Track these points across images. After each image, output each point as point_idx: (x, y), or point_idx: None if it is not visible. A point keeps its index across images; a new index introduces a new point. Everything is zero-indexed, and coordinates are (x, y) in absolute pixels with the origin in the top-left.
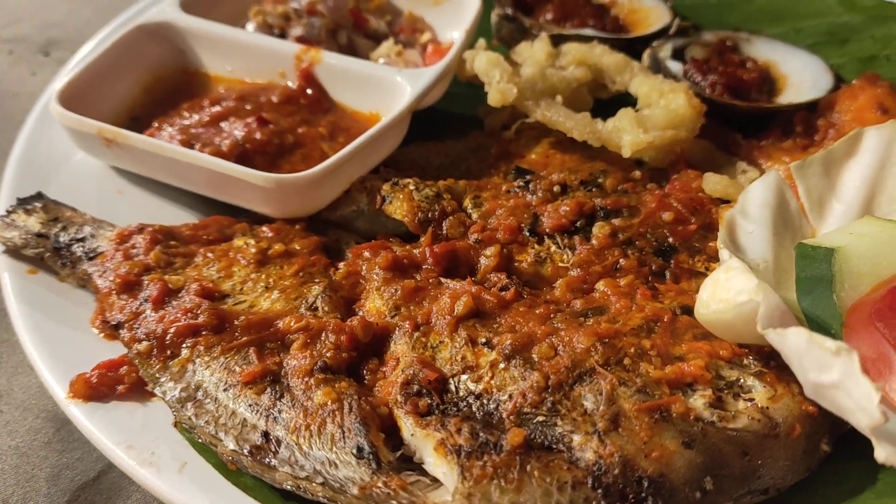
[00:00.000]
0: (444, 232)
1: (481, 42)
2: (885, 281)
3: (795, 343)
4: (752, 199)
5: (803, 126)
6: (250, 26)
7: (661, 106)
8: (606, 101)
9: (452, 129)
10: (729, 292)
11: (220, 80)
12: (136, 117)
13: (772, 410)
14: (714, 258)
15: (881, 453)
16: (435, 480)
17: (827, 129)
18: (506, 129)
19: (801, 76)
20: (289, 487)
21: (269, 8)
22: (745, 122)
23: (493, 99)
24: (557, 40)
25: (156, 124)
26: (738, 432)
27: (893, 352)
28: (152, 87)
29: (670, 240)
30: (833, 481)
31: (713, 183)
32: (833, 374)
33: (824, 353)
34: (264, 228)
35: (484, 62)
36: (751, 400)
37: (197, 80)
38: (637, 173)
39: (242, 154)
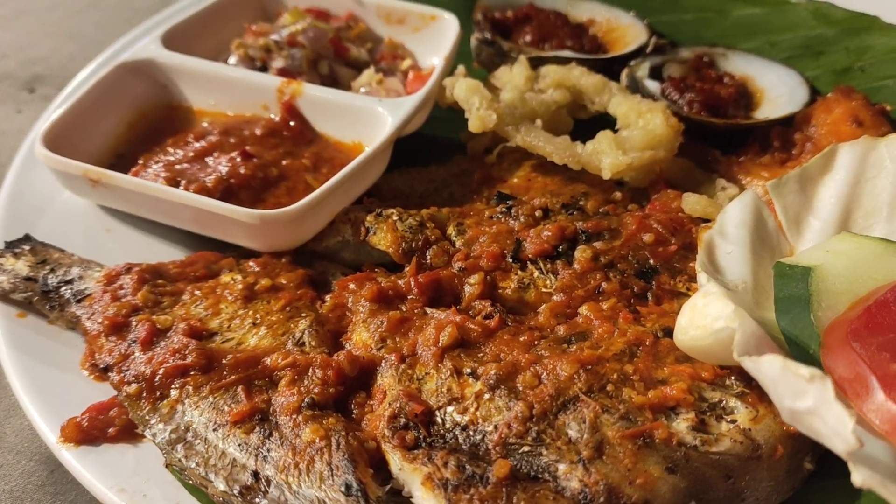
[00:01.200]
0: (429, 261)
1: (461, 68)
2: (861, 299)
3: (770, 370)
4: (730, 219)
5: (780, 141)
6: (232, 59)
7: (640, 126)
8: (587, 121)
9: (436, 153)
10: (706, 318)
11: (204, 114)
12: (122, 154)
13: (754, 432)
14: (695, 278)
15: (858, 477)
16: None
17: (804, 143)
18: (488, 152)
19: (777, 90)
20: None
21: (251, 40)
22: (723, 138)
23: (474, 126)
24: (536, 63)
25: (141, 161)
26: (720, 455)
27: (870, 373)
28: (137, 123)
29: (651, 261)
30: (818, 499)
31: (692, 203)
32: (808, 400)
33: (799, 380)
34: (251, 263)
35: (464, 89)
36: (733, 421)
37: (181, 114)
38: (618, 194)
39: (227, 189)
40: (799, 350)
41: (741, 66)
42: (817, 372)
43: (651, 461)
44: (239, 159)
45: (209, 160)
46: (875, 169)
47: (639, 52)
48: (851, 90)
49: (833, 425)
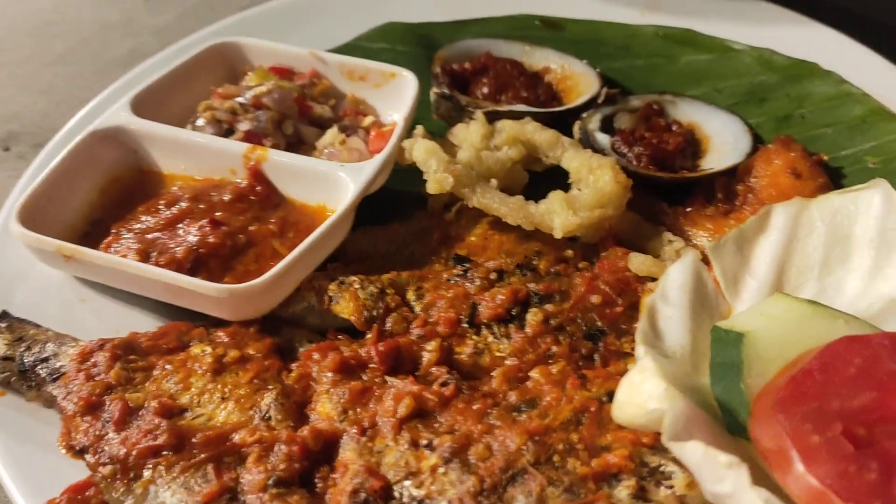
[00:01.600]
0: (389, 328)
1: (419, 129)
2: (788, 366)
3: (693, 456)
4: (671, 282)
5: (724, 192)
6: (200, 121)
7: (590, 184)
8: (542, 173)
9: (399, 206)
10: (641, 396)
11: (174, 178)
12: (96, 221)
13: (688, 498)
14: None
15: None
16: None
17: (746, 194)
18: (448, 208)
19: (722, 137)
20: None
21: (217, 103)
22: (671, 190)
23: (431, 188)
24: (493, 117)
25: (113, 231)
26: None
27: (791, 445)
28: (109, 188)
29: (599, 323)
30: None
31: (638, 263)
32: (726, 486)
33: (718, 466)
34: (220, 333)
35: (421, 152)
36: (670, 487)
37: (152, 178)
38: (570, 252)
39: (197, 259)
40: (731, 418)
41: (689, 112)
42: (734, 459)
43: None
44: (208, 228)
45: (180, 228)
46: (807, 229)
47: (591, 103)
48: (790, 141)
49: None
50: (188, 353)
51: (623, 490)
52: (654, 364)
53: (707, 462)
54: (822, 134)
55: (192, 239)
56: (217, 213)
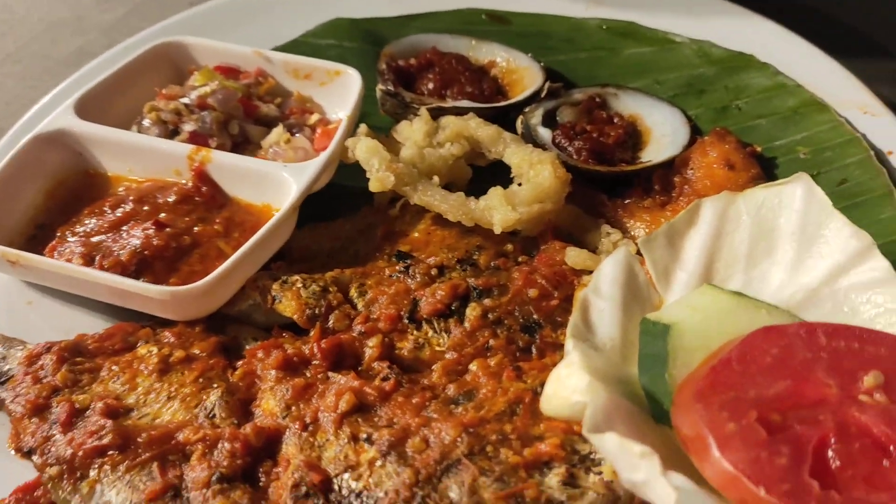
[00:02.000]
0: (331, 325)
1: (363, 128)
2: (709, 356)
3: (609, 446)
4: (604, 276)
5: (661, 184)
6: (146, 121)
7: (530, 178)
8: (486, 168)
9: (345, 201)
10: (567, 390)
11: (120, 180)
12: (41, 224)
13: (615, 484)
14: None
15: None
16: None
17: (682, 186)
18: (394, 202)
19: (662, 129)
20: None
21: (162, 104)
22: (611, 182)
23: (374, 187)
24: (437, 113)
25: (59, 235)
26: None
27: (708, 432)
28: (54, 191)
29: (535, 316)
30: None
31: (573, 256)
32: (640, 474)
33: (632, 456)
34: (166, 333)
35: (363, 151)
36: (599, 473)
37: (97, 180)
38: (510, 246)
39: (142, 261)
40: (656, 407)
41: (630, 105)
42: (647, 449)
43: None
44: (152, 230)
45: (124, 231)
46: (734, 223)
47: (534, 97)
48: (726, 133)
49: (660, 497)
50: (134, 354)
51: (553, 477)
52: (580, 358)
53: (622, 452)
54: (757, 125)
55: (137, 241)
56: (161, 215)
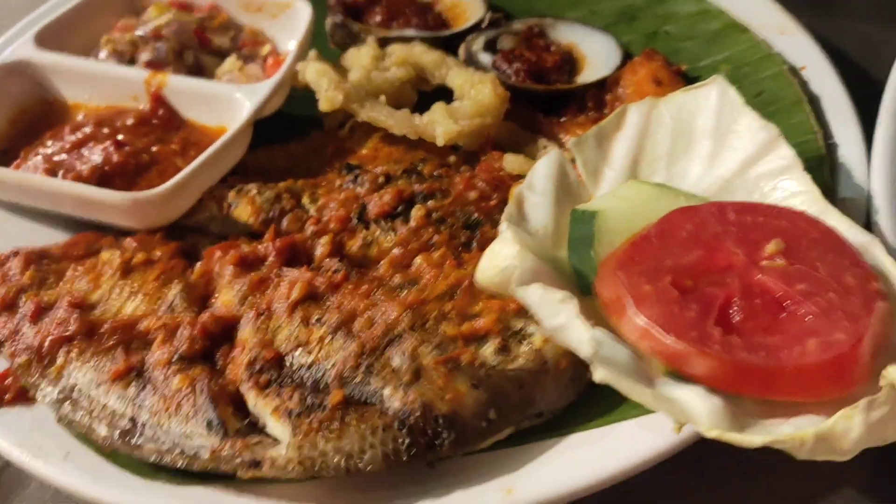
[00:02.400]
0: (285, 227)
1: (312, 53)
2: (633, 236)
3: (534, 296)
4: (538, 174)
5: (594, 102)
6: (103, 53)
7: (471, 97)
8: (430, 93)
9: (297, 129)
10: (497, 259)
11: (80, 108)
12: (5, 150)
13: (544, 350)
14: None
15: (598, 375)
16: (275, 440)
17: (613, 104)
18: (342, 127)
19: (597, 55)
20: (154, 460)
21: (118, 36)
22: (547, 102)
23: (323, 106)
24: (384, 42)
25: (22, 155)
26: (515, 371)
27: (626, 293)
28: (17, 119)
29: (476, 215)
30: (596, 399)
31: (511, 162)
32: (560, 318)
33: (553, 303)
34: (128, 240)
35: (313, 73)
36: (529, 343)
37: (58, 108)
38: (452, 158)
39: (103, 176)
40: (582, 281)
41: (567, 34)
42: (567, 294)
43: (459, 380)
44: (112, 148)
45: (84, 151)
46: (656, 124)
47: (476, 27)
48: (654, 53)
49: (578, 337)
50: (98, 258)
51: (489, 347)
52: (511, 234)
53: (545, 300)
54: (684, 48)
55: (97, 158)
56: (120, 136)
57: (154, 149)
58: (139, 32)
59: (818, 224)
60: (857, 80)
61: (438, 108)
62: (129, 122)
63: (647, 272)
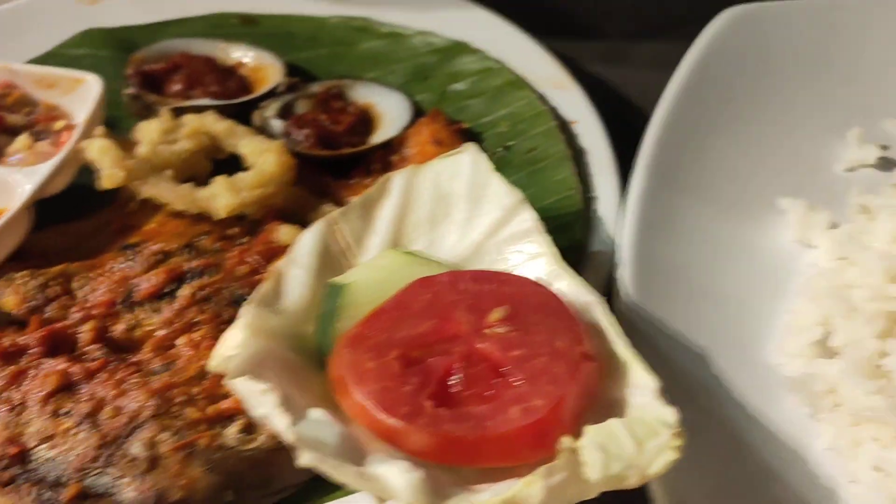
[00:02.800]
0: (49, 315)
1: (99, 129)
2: (374, 309)
3: (241, 387)
4: (302, 246)
5: (381, 163)
6: None
7: (256, 166)
8: (225, 160)
9: (92, 204)
10: (224, 346)
11: None
12: None
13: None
14: None
15: (302, 460)
16: None
17: (400, 164)
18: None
19: (391, 114)
20: None
21: None
22: (338, 165)
23: (103, 184)
24: (180, 112)
25: None
26: (252, 451)
27: (347, 371)
28: None
29: (242, 291)
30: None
31: (286, 234)
32: (263, 409)
33: (257, 394)
34: None
35: (95, 151)
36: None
37: None
38: (235, 230)
39: None
40: (323, 358)
41: (364, 94)
42: (269, 386)
43: (195, 465)
44: None
45: None
46: (419, 191)
47: (272, 93)
48: (438, 113)
49: (280, 425)
50: None
51: (233, 428)
52: (246, 319)
53: (251, 391)
54: (468, 105)
55: None
56: None
57: None
58: None
59: (542, 289)
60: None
61: (220, 180)
62: None
63: (374, 347)
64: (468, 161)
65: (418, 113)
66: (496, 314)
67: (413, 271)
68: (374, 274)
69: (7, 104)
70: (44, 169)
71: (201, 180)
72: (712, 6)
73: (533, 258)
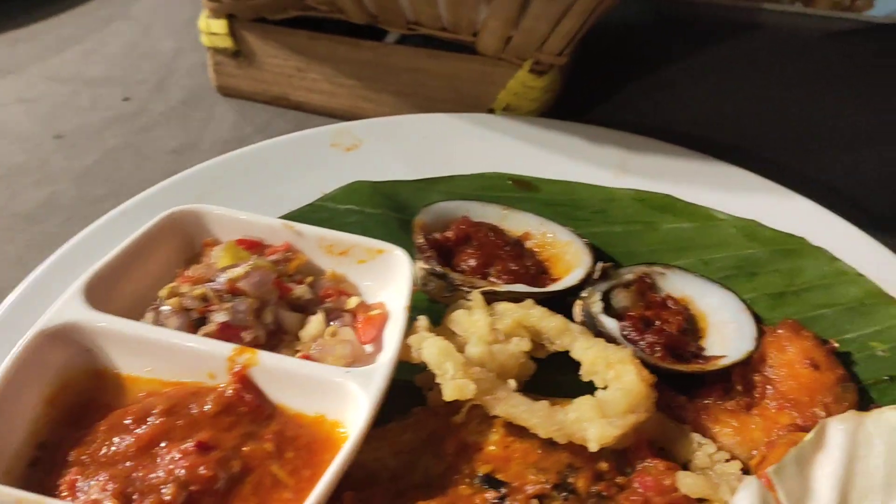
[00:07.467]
0: None
1: (422, 322)
2: None
3: None
4: None
5: (742, 383)
6: (165, 308)
7: (609, 380)
8: (544, 359)
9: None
10: None
11: (137, 382)
12: (44, 443)
13: None
14: None
15: None
16: None
17: (764, 385)
18: (450, 403)
19: (720, 314)
20: None
21: (185, 288)
22: (677, 378)
23: (449, 395)
24: (490, 298)
25: (71, 458)
26: None
27: None
28: (58, 398)
29: None
30: None
31: (689, 484)
32: None
33: None
34: None
35: (433, 353)
36: None
37: (109, 382)
38: (604, 464)
39: (189, 499)
40: None
41: (680, 286)
42: None
43: None
44: (195, 454)
45: (158, 454)
46: (866, 448)
47: (587, 278)
48: (799, 327)
49: None
50: None
51: None
52: None
53: None
54: (821, 315)
55: (179, 472)
56: (201, 433)
57: (245, 449)
58: (212, 286)
59: None
60: None
61: (587, 404)
62: (209, 408)
63: None
64: None
65: (756, 317)
66: None
67: None
68: None
69: (289, 271)
70: (379, 375)
71: (525, 386)
72: None
73: None
